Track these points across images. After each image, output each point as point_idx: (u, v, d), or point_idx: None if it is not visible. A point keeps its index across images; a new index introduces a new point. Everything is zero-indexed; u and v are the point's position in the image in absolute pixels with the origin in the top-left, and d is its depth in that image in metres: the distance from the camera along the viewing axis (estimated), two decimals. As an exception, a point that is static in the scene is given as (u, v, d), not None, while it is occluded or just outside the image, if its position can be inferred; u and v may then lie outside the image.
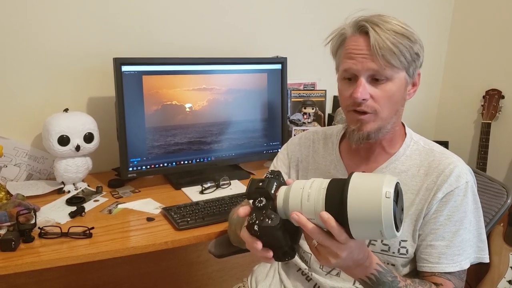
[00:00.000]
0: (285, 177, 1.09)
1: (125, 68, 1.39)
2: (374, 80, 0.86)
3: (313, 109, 1.91)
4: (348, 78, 0.89)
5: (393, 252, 0.92)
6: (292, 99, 1.89)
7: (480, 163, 2.03)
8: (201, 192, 1.47)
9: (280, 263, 1.08)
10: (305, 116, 1.90)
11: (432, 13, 2.27)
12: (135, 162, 1.47)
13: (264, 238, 0.69)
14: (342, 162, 1.01)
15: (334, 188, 0.67)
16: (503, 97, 2.10)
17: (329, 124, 1.97)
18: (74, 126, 1.41)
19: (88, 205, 1.34)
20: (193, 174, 1.60)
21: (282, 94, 1.70)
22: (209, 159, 1.61)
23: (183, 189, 1.51)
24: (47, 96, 1.54)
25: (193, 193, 1.47)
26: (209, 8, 1.74)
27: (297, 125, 1.87)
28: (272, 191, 0.70)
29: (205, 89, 1.55)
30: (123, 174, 1.47)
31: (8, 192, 1.36)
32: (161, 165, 1.52)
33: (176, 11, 1.68)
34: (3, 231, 1.10)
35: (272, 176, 0.74)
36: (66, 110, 1.48)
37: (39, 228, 1.13)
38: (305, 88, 1.99)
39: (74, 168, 1.44)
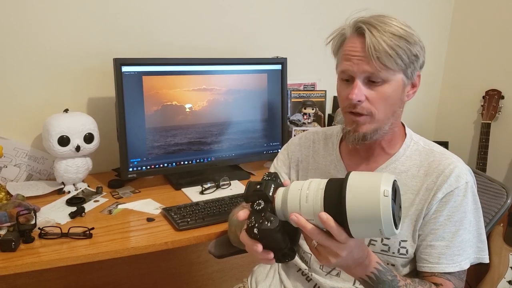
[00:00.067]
0: (285, 177, 1.09)
1: (125, 69, 1.39)
2: (371, 82, 0.86)
3: (313, 109, 1.91)
4: (346, 79, 0.89)
5: (393, 252, 0.92)
6: (292, 100, 1.89)
7: (480, 164, 2.03)
8: (201, 193, 1.47)
9: (280, 263, 1.09)
10: (305, 117, 1.90)
11: (432, 13, 2.27)
12: (135, 163, 1.47)
13: (264, 240, 0.70)
14: (342, 162, 1.01)
15: (332, 188, 0.67)
16: (502, 97, 2.10)
17: (329, 124, 1.97)
18: (74, 126, 1.41)
19: (88, 206, 1.34)
20: (193, 174, 1.60)
21: (282, 94, 1.70)
22: (209, 159, 1.61)
23: (183, 189, 1.51)
24: (47, 97, 1.54)
25: (193, 194, 1.47)
26: (209, 9, 1.74)
27: (297, 125, 1.87)
28: (270, 193, 0.70)
29: (205, 90, 1.55)
30: (123, 175, 1.47)
31: (8, 193, 1.36)
32: (161, 165, 1.52)
33: (176, 12, 1.68)
34: (3, 232, 1.10)
35: (269, 178, 0.74)
36: (66, 110, 1.48)
37: (39, 228, 1.13)
38: (305, 89, 1.99)
39: (74, 169, 1.44)
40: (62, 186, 1.44)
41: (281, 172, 1.10)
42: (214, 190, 1.50)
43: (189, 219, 1.23)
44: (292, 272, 1.04)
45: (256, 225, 0.68)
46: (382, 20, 0.85)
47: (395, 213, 0.64)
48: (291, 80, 1.88)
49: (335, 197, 0.65)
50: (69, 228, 1.14)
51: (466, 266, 0.90)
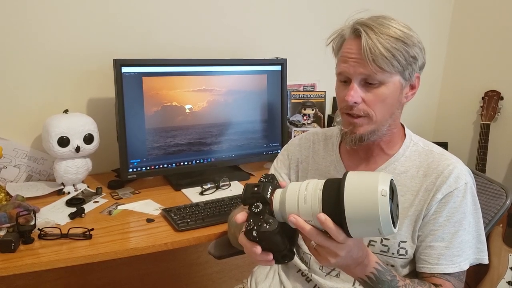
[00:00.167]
0: (285, 178, 1.09)
1: (125, 69, 1.40)
2: (367, 84, 0.86)
3: (312, 110, 1.91)
4: (344, 81, 0.90)
5: (393, 253, 0.92)
6: (292, 100, 1.90)
7: (479, 164, 2.04)
8: (201, 193, 1.47)
9: (279, 264, 1.09)
10: (304, 117, 1.90)
11: (432, 13, 2.28)
12: (135, 163, 1.47)
13: (263, 243, 0.70)
14: (342, 163, 1.01)
15: (329, 189, 0.67)
16: (502, 98, 2.10)
17: (329, 125, 1.97)
18: (74, 127, 1.41)
19: (88, 206, 1.34)
20: (193, 175, 1.60)
21: (282, 95, 1.70)
22: (209, 160, 1.61)
23: (183, 190, 1.51)
24: (47, 97, 1.54)
25: (193, 194, 1.47)
26: (209, 9, 1.74)
27: (296, 126, 1.87)
28: (268, 195, 0.70)
29: (205, 90, 1.55)
30: (123, 175, 1.47)
31: (7, 193, 1.36)
32: (161, 166, 1.52)
33: (176, 13, 1.69)
34: (2, 233, 1.10)
35: (266, 180, 0.74)
36: (66, 111, 1.48)
37: (38, 229, 1.13)
38: (304, 89, 1.99)
39: (74, 169, 1.44)
40: (62, 187, 1.44)
41: (281, 172, 1.10)
42: (214, 191, 1.50)
43: (189, 220, 1.23)
44: (292, 273, 1.04)
45: (255, 227, 0.68)
46: (381, 21, 0.85)
47: (393, 212, 0.65)
48: (291, 81, 1.89)
49: (333, 198, 0.66)
50: (69, 229, 1.14)
51: (465, 266, 0.90)
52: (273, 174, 0.77)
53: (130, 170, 1.47)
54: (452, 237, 0.89)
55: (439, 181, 0.90)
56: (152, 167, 1.51)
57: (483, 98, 2.14)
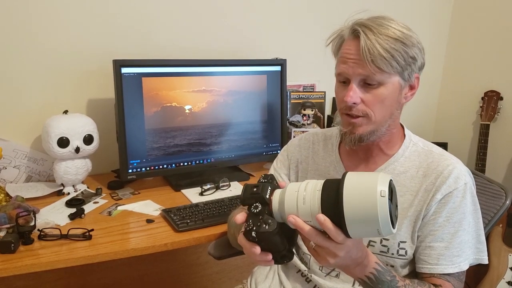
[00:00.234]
0: (285, 178, 1.09)
1: (124, 70, 1.40)
2: (366, 84, 0.87)
3: (312, 110, 1.91)
4: (343, 82, 0.90)
5: (392, 253, 0.92)
6: (292, 101, 1.90)
7: (479, 165, 2.04)
8: (201, 194, 1.47)
9: (279, 264, 1.09)
10: (304, 118, 1.90)
11: (432, 14, 2.28)
12: (135, 164, 1.47)
13: (262, 243, 0.70)
14: (341, 163, 1.01)
15: (329, 189, 0.67)
16: (501, 98, 2.10)
17: (329, 125, 1.97)
18: (74, 128, 1.41)
19: (88, 207, 1.34)
20: (193, 175, 1.60)
21: (282, 95, 1.70)
22: (209, 160, 1.61)
23: (183, 190, 1.51)
24: (47, 98, 1.54)
25: (192, 195, 1.47)
26: (209, 10, 1.74)
27: (296, 126, 1.87)
28: (267, 196, 0.71)
29: (204, 91, 1.55)
30: (122, 176, 1.47)
31: (7, 194, 1.36)
32: (161, 166, 1.52)
33: (176, 13, 1.69)
34: (2, 233, 1.10)
35: (265, 180, 0.74)
36: (65, 112, 1.48)
37: (38, 230, 1.13)
38: (304, 90, 1.99)
39: (73, 170, 1.44)
40: (62, 187, 1.44)
41: (281, 173, 1.10)
42: (214, 191, 1.50)
43: (188, 221, 1.23)
44: (292, 273, 1.05)
45: (254, 228, 0.68)
46: (380, 22, 0.85)
47: (392, 213, 0.65)
48: (291, 81, 1.89)
49: (332, 198, 0.66)
50: (69, 230, 1.14)
51: (465, 267, 0.90)
52: (272, 174, 0.77)
53: (130, 170, 1.47)
54: (451, 238, 0.89)
55: (439, 181, 0.90)
56: (152, 167, 1.51)
57: (482, 98, 2.14)
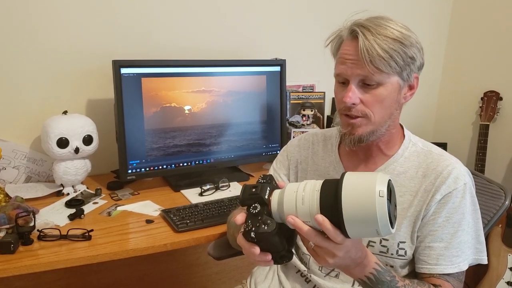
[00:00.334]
0: (284, 179, 1.09)
1: (124, 70, 1.40)
2: (365, 85, 0.87)
3: (312, 111, 1.91)
4: (342, 82, 0.90)
5: (392, 254, 0.92)
6: (291, 101, 1.90)
7: (478, 165, 2.04)
8: (200, 194, 1.47)
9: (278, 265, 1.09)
10: (304, 118, 1.90)
11: (431, 14, 2.28)
12: (134, 164, 1.47)
13: (262, 243, 0.70)
14: (341, 163, 1.01)
15: (327, 189, 0.67)
16: (501, 98, 2.10)
17: (328, 126, 1.97)
18: (73, 128, 1.41)
19: (87, 208, 1.34)
20: (192, 176, 1.60)
21: (281, 96, 1.70)
22: (208, 161, 1.61)
23: (182, 191, 1.51)
24: (46, 98, 1.54)
25: (192, 195, 1.47)
26: (209, 10, 1.74)
27: (296, 127, 1.87)
28: (266, 196, 0.71)
29: (204, 91, 1.55)
30: (122, 177, 1.47)
31: (7, 195, 1.36)
32: (160, 167, 1.52)
33: (175, 13, 1.69)
34: (2, 234, 1.10)
35: (264, 180, 0.74)
36: (65, 112, 1.48)
37: (38, 230, 1.13)
38: (304, 90, 1.99)
39: (73, 171, 1.44)
40: (61, 188, 1.44)
41: (280, 173, 1.10)
42: (213, 192, 1.50)
43: (188, 221, 1.23)
44: (291, 274, 1.05)
45: (253, 228, 0.68)
46: (378, 22, 0.85)
47: (391, 213, 0.65)
48: (290, 81, 1.88)
49: (331, 199, 0.66)
50: (68, 230, 1.14)
51: (464, 267, 0.90)
52: (271, 175, 0.77)
53: (129, 171, 1.47)
54: (451, 238, 0.89)
55: (438, 181, 0.90)
56: (151, 168, 1.51)
57: (482, 98, 2.14)
